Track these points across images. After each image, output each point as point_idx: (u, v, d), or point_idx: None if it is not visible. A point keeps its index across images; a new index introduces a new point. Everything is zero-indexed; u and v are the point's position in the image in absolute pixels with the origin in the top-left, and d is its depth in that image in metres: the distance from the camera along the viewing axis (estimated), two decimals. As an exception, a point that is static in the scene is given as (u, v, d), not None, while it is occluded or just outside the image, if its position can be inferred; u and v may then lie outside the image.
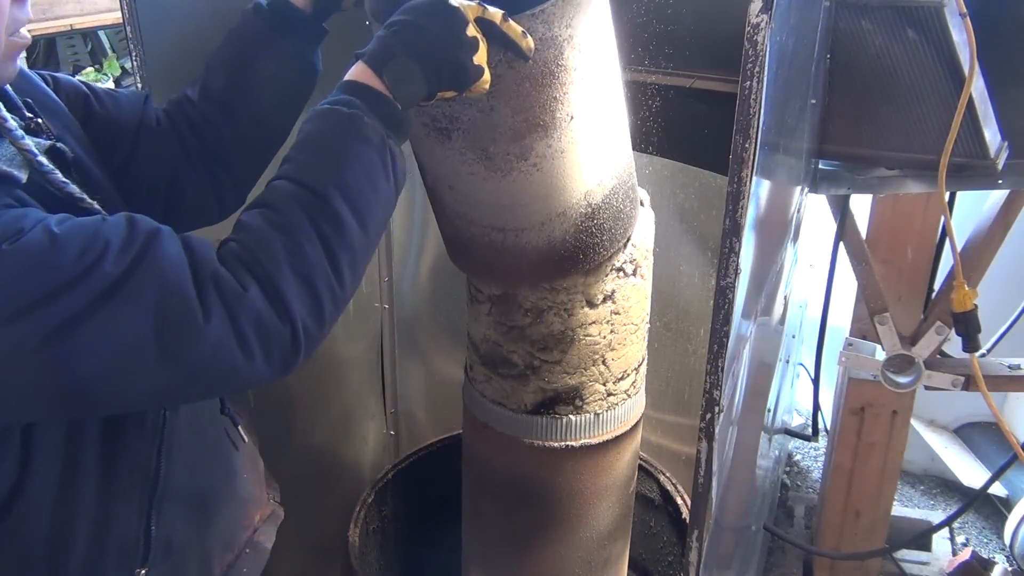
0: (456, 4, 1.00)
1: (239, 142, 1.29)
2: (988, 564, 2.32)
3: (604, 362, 1.39)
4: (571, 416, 1.41)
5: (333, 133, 0.97)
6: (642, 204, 1.44)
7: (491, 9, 1.02)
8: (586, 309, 1.33)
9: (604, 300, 1.34)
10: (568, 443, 1.43)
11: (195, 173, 1.27)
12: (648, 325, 1.46)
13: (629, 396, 1.46)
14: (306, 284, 0.91)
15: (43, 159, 0.96)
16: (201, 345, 0.87)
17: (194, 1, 1.50)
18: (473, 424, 1.52)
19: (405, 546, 2.11)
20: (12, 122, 0.94)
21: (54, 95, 1.13)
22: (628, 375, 1.44)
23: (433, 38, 0.99)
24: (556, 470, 1.45)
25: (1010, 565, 2.52)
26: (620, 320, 1.37)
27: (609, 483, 1.50)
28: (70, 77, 1.21)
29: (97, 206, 1.01)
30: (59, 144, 1.02)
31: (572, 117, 1.13)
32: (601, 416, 1.43)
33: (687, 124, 2.11)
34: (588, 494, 1.48)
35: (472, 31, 1.00)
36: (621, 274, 1.34)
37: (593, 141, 1.19)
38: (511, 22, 1.02)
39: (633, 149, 1.97)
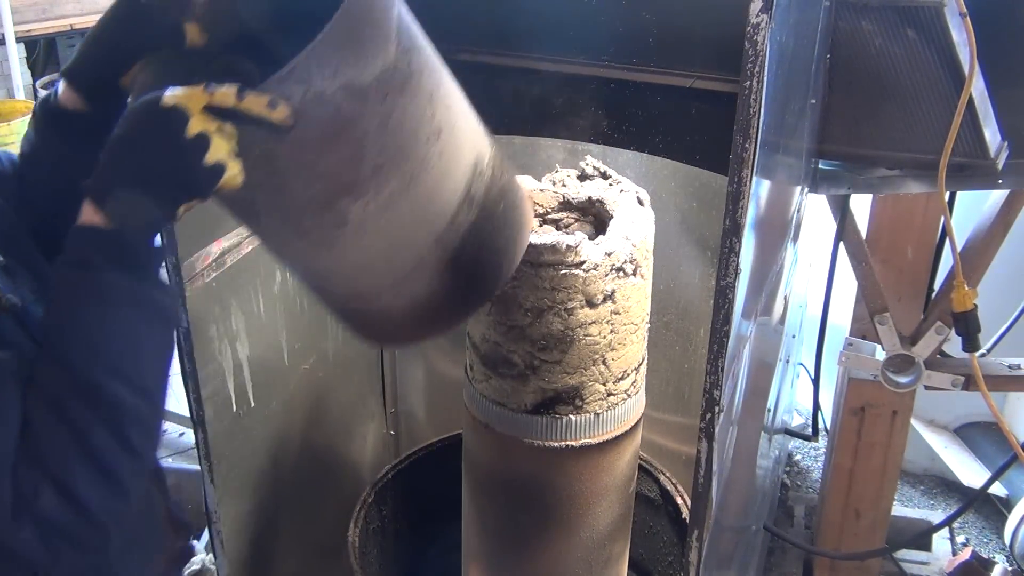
0: (171, 102, 0.88)
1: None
2: (988, 564, 2.32)
3: (604, 362, 1.39)
4: (571, 416, 1.41)
5: (79, 304, 0.88)
6: (642, 204, 1.44)
7: (220, 91, 0.90)
8: (586, 309, 1.33)
9: (604, 300, 1.34)
10: (568, 443, 1.43)
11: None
12: (648, 325, 1.46)
13: (629, 396, 1.46)
14: (101, 473, 0.86)
15: None
16: (8, 540, 0.83)
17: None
18: (473, 424, 1.52)
19: (405, 546, 2.11)
20: None
21: None
22: (628, 375, 1.44)
23: (148, 154, 0.88)
24: (556, 470, 1.45)
25: (1010, 565, 2.52)
26: (620, 320, 1.37)
27: (609, 483, 1.50)
28: None
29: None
30: None
31: (381, 167, 1.01)
32: (601, 416, 1.42)
33: (687, 124, 2.11)
34: (588, 494, 1.48)
35: (197, 127, 0.88)
36: (621, 274, 1.34)
37: (425, 182, 1.06)
38: (250, 96, 0.90)
39: (633, 149, 1.98)
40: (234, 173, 0.92)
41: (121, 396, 0.87)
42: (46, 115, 1.10)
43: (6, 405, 0.86)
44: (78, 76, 1.08)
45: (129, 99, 1.08)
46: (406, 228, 1.08)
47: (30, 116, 1.15)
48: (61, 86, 1.09)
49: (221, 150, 0.90)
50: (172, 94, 0.88)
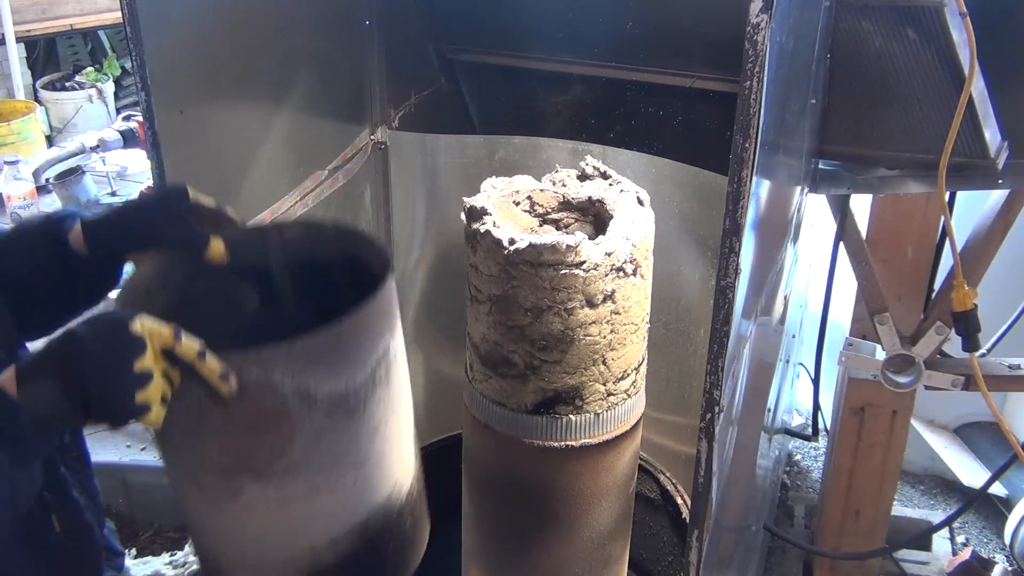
0: (138, 331, 0.92)
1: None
2: (988, 564, 2.32)
3: (604, 362, 1.39)
4: (571, 416, 1.41)
5: None
6: (642, 204, 1.44)
7: (186, 342, 0.94)
8: (586, 309, 1.33)
9: (604, 300, 1.34)
10: (568, 443, 1.43)
11: None
12: (648, 325, 1.46)
13: (629, 396, 1.46)
14: None
15: None
16: None
17: (194, 1, 1.50)
18: (473, 424, 1.52)
19: (405, 546, 2.11)
20: None
21: None
22: (628, 375, 1.44)
23: (92, 365, 0.90)
24: (556, 470, 1.45)
25: (1010, 565, 2.52)
26: (620, 320, 1.37)
27: (609, 483, 1.50)
28: None
29: None
30: None
31: (295, 468, 1.05)
32: (601, 416, 1.42)
33: (687, 124, 2.11)
34: (588, 494, 1.48)
35: (147, 363, 0.91)
36: (621, 274, 1.33)
37: (328, 502, 1.10)
38: (210, 360, 0.94)
39: (633, 149, 1.98)
40: (155, 417, 0.94)
41: None
42: (49, 233, 1.15)
43: None
44: (93, 231, 1.15)
45: (127, 268, 1.18)
46: (290, 530, 1.11)
47: (37, 216, 1.21)
48: (76, 225, 1.15)
49: (155, 392, 0.93)
50: (143, 324, 0.92)
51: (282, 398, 1.00)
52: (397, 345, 1.18)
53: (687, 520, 1.76)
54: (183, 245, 1.16)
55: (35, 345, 1.07)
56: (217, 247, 1.16)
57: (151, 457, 2.65)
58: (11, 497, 0.94)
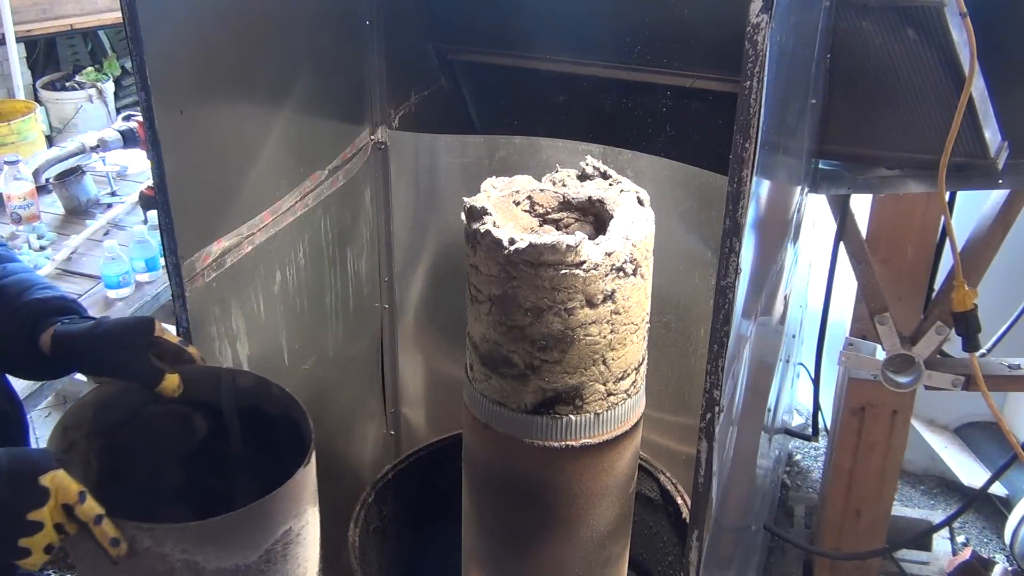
0: (46, 483, 1.01)
1: None
2: (988, 564, 2.32)
3: (604, 362, 1.39)
4: (571, 416, 1.41)
5: None
6: (642, 204, 1.44)
7: (88, 505, 1.03)
8: (586, 309, 1.33)
9: (604, 300, 1.34)
10: (568, 443, 1.43)
11: None
12: (648, 325, 1.46)
13: (629, 396, 1.46)
14: None
15: None
16: None
17: (194, 1, 1.50)
18: (473, 424, 1.52)
19: (405, 546, 2.11)
20: None
21: None
22: (628, 375, 1.44)
23: None
24: (556, 470, 1.45)
25: (1010, 565, 2.52)
26: (620, 320, 1.37)
27: (609, 483, 1.50)
28: None
29: None
30: None
31: None
32: (601, 416, 1.42)
33: (687, 124, 2.11)
34: (588, 494, 1.48)
35: (42, 515, 1.00)
36: (621, 274, 1.33)
37: None
38: (106, 525, 1.04)
39: (633, 149, 1.98)
40: (33, 561, 1.01)
41: None
42: (26, 321, 1.23)
43: None
44: (60, 343, 1.22)
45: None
46: None
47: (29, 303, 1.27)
48: (50, 331, 1.23)
49: (41, 541, 1.01)
50: (54, 478, 1.01)
51: (170, 567, 1.09)
52: (302, 524, 1.26)
53: (687, 520, 1.76)
54: (137, 378, 1.25)
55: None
56: (170, 383, 1.25)
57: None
58: None
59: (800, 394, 3.11)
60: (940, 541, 2.55)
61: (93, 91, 4.59)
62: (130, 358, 1.23)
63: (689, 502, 1.88)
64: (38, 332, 1.24)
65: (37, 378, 1.33)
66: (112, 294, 2.52)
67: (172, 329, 1.36)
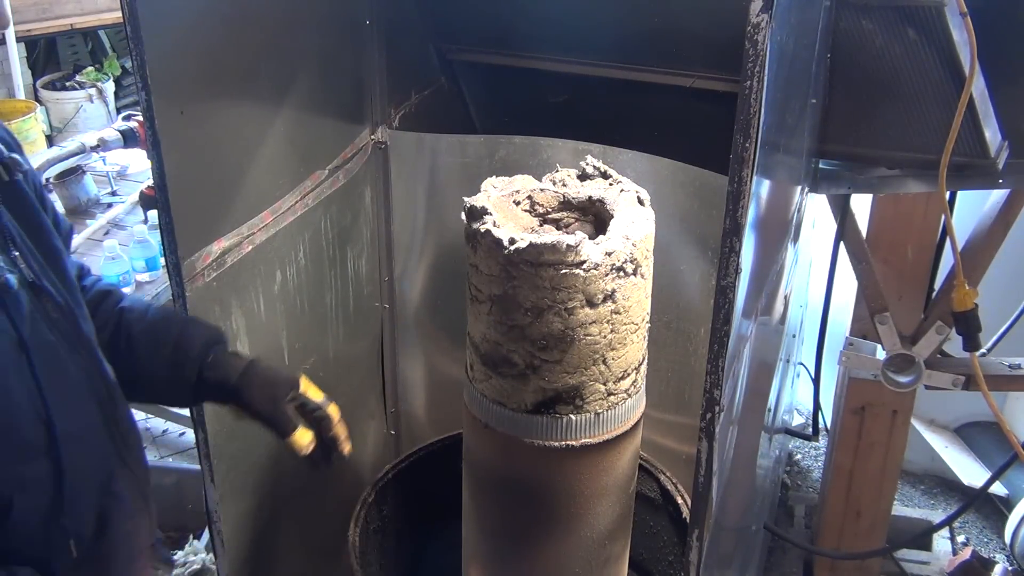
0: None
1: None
2: (988, 564, 2.32)
3: (604, 362, 1.39)
4: (571, 416, 1.41)
5: None
6: (642, 204, 1.44)
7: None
8: (586, 308, 1.33)
9: (604, 299, 1.34)
10: (568, 443, 1.43)
11: None
12: (648, 324, 1.46)
13: (629, 396, 1.46)
14: None
15: None
16: None
17: (194, 1, 1.50)
18: (473, 424, 1.52)
19: (405, 546, 2.11)
20: None
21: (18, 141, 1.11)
22: (628, 375, 1.44)
23: None
24: (556, 470, 1.45)
25: (1010, 565, 2.52)
26: (620, 319, 1.37)
27: (609, 483, 1.50)
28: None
29: (3, 263, 1.00)
30: (10, 156, 1.01)
31: None
32: (601, 416, 1.42)
33: (687, 124, 2.11)
34: (588, 494, 1.48)
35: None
36: (621, 274, 1.34)
37: None
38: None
39: (633, 149, 1.98)
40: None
41: None
42: (190, 354, 1.35)
43: None
44: (216, 375, 1.38)
45: None
46: None
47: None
48: (209, 357, 1.37)
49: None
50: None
51: None
52: None
53: (687, 520, 1.76)
54: (271, 426, 1.35)
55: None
56: (301, 439, 1.35)
57: (152, 457, 2.66)
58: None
59: (800, 394, 3.11)
60: (940, 541, 2.55)
61: (93, 91, 4.59)
62: (272, 407, 1.34)
63: (689, 502, 1.88)
64: (194, 365, 1.33)
65: (165, 403, 1.48)
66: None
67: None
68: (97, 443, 1.14)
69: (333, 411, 1.42)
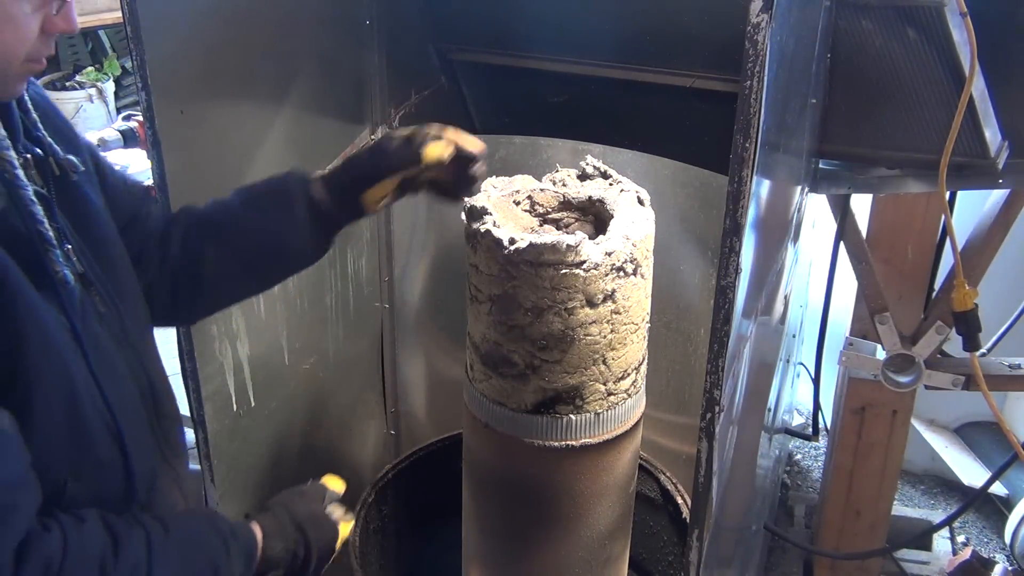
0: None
1: (215, 283, 1.32)
2: (988, 564, 2.32)
3: (604, 362, 1.39)
4: (571, 416, 1.41)
5: (208, 555, 1.08)
6: (642, 204, 1.44)
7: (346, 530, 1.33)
8: (586, 308, 1.33)
9: (604, 299, 1.34)
10: (568, 443, 1.43)
11: (161, 281, 1.28)
12: (648, 324, 1.46)
13: (629, 396, 1.46)
14: None
15: (30, 192, 0.96)
16: None
17: (195, 1, 1.50)
18: (473, 424, 1.52)
19: (405, 545, 2.11)
20: (3, 142, 0.94)
21: (78, 133, 1.12)
22: (628, 375, 1.44)
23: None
24: (556, 470, 1.45)
25: (1011, 565, 2.52)
26: (620, 319, 1.37)
27: (609, 483, 1.50)
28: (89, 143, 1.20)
29: (60, 257, 1.00)
30: (66, 158, 1.02)
31: None
32: (601, 416, 1.43)
33: (687, 124, 2.11)
34: (588, 494, 1.48)
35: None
36: (621, 274, 1.34)
37: None
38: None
39: (633, 149, 1.98)
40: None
41: None
42: (284, 191, 1.35)
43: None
44: (332, 182, 1.37)
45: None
46: None
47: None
48: (314, 176, 1.38)
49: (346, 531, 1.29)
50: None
51: None
52: None
53: (687, 520, 1.76)
54: (405, 161, 1.32)
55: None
56: (431, 151, 1.31)
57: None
58: None
59: (800, 394, 3.11)
60: (940, 541, 2.55)
61: (93, 91, 4.58)
62: (390, 148, 1.33)
63: (689, 502, 1.88)
64: (306, 187, 1.34)
65: (280, 268, 1.45)
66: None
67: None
68: (143, 438, 1.15)
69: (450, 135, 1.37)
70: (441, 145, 1.31)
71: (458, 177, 1.37)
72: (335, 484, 1.35)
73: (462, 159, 1.35)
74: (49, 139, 1.04)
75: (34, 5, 0.91)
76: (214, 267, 1.31)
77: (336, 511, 1.29)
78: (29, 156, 0.99)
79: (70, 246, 1.03)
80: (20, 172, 0.94)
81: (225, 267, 1.32)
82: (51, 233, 0.98)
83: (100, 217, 1.11)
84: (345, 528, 1.28)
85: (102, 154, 1.22)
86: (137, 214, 1.26)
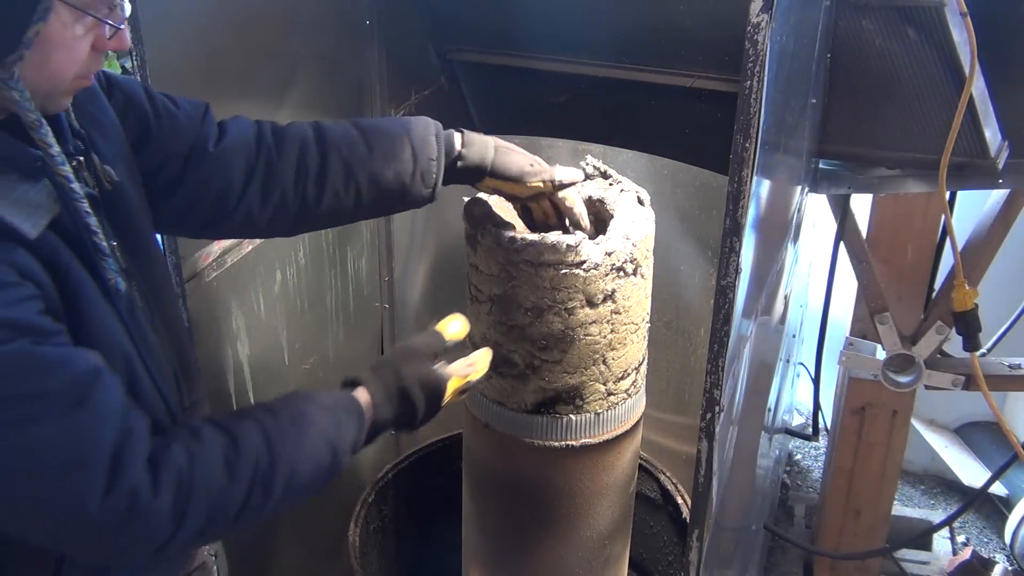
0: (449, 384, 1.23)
1: (308, 206, 1.27)
2: (988, 564, 2.32)
3: (604, 362, 1.39)
4: (571, 416, 1.41)
5: (320, 433, 1.08)
6: (642, 204, 1.44)
7: (473, 373, 1.27)
8: (586, 308, 1.33)
9: (604, 299, 1.34)
10: (568, 443, 1.43)
11: (247, 200, 1.24)
12: (648, 324, 1.46)
13: (629, 396, 1.46)
14: (205, 524, 0.97)
15: (85, 204, 0.97)
16: (80, 519, 0.89)
17: (195, 1, 1.50)
18: (473, 424, 1.52)
19: (405, 545, 2.11)
20: (58, 157, 0.94)
21: (108, 106, 1.11)
22: (628, 374, 1.44)
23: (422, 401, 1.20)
24: (556, 470, 1.45)
25: (1010, 565, 2.52)
26: (620, 319, 1.37)
27: (609, 483, 1.50)
28: (132, 81, 1.17)
29: (113, 265, 1.01)
30: (103, 168, 1.02)
31: None
32: (601, 416, 1.43)
33: (687, 124, 2.11)
34: (588, 494, 1.48)
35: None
36: (621, 274, 1.33)
37: None
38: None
39: (633, 149, 1.98)
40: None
41: (275, 493, 1.03)
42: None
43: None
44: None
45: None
46: None
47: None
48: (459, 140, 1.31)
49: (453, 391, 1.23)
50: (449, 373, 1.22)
51: None
52: None
53: (687, 520, 1.76)
54: (522, 181, 1.30)
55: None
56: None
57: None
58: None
59: (800, 394, 3.11)
60: (940, 541, 2.55)
61: (93, 91, 4.58)
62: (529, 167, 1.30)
63: (689, 502, 1.88)
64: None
65: (404, 203, 1.35)
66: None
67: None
68: (181, 419, 1.17)
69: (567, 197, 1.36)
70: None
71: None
72: (454, 328, 1.28)
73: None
74: (89, 132, 1.04)
75: (86, 27, 0.91)
76: (319, 193, 1.27)
77: (443, 368, 1.23)
78: (81, 159, 1.00)
79: (115, 243, 1.04)
80: (76, 185, 0.96)
81: (329, 195, 1.27)
82: (105, 244, 1.00)
83: (133, 206, 1.11)
84: (454, 383, 1.23)
85: (152, 95, 1.17)
86: (197, 141, 1.20)
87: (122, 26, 0.95)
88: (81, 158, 1.01)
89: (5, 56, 0.86)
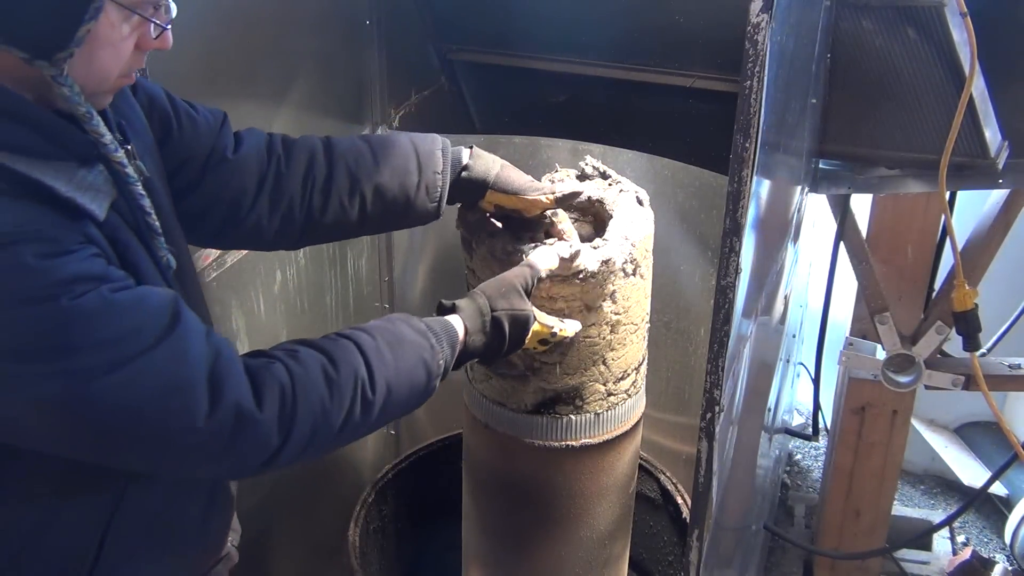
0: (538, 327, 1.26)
1: (314, 216, 1.29)
2: (988, 563, 2.32)
3: (604, 362, 1.39)
4: (571, 416, 1.41)
5: (416, 352, 1.14)
6: (641, 204, 1.44)
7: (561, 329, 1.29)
8: (585, 312, 1.33)
9: (604, 300, 1.34)
10: (568, 443, 1.43)
11: (257, 209, 1.26)
12: (648, 325, 1.46)
13: (629, 396, 1.46)
14: (310, 436, 1.02)
15: (139, 187, 1.01)
16: (190, 438, 0.94)
17: (196, 1, 1.50)
18: (473, 424, 1.52)
19: (405, 545, 2.11)
20: (111, 144, 0.96)
21: (136, 104, 1.13)
22: (628, 375, 1.44)
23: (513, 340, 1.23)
24: (556, 470, 1.45)
25: (1010, 565, 2.51)
26: (620, 320, 1.37)
27: (609, 483, 1.50)
28: (154, 85, 1.19)
29: (164, 243, 1.06)
30: (134, 163, 1.03)
31: None
32: (601, 416, 1.43)
33: (687, 124, 2.11)
34: (588, 494, 1.48)
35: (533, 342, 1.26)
36: (621, 274, 1.33)
37: None
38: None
39: (633, 149, 1.98)
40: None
41: (375, 410, 1.09)
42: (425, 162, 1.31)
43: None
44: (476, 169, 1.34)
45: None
46: None
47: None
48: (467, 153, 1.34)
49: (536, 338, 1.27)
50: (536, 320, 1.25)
51: None
52: None
53: (687, 520, 1.76)
54: (526, 200, 1.34)
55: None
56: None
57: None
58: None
59: (800, 394, 3.11)
60: (940, 541, 2.54)
61: (93, 91, 4.58)
62: (530, 184, 1.34)
63: (689, 502, 1.88)
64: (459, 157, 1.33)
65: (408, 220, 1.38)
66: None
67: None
68: None
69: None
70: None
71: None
72: (548, 261, 1.27)
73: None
74: (123, 127, 1.05)
75: (132, 26, 0.93)
76: (326, 203, 1.29)
77: (534, 310, 1.25)
78: (130, 147, 1.02)
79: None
80: (130, 169, 0.99)
81: (336, 206, 1.30)
82: (157, 223, 1.04)
83: (164, 196, 1.14)
84: (539, 328, 1.26)
85: (173, 100, 1.20)
86: (215, 148, 1.23)
87: (167, 26, 0.97)
88: (129, 147, 1.03)
89: (56, 53, 0.88)
